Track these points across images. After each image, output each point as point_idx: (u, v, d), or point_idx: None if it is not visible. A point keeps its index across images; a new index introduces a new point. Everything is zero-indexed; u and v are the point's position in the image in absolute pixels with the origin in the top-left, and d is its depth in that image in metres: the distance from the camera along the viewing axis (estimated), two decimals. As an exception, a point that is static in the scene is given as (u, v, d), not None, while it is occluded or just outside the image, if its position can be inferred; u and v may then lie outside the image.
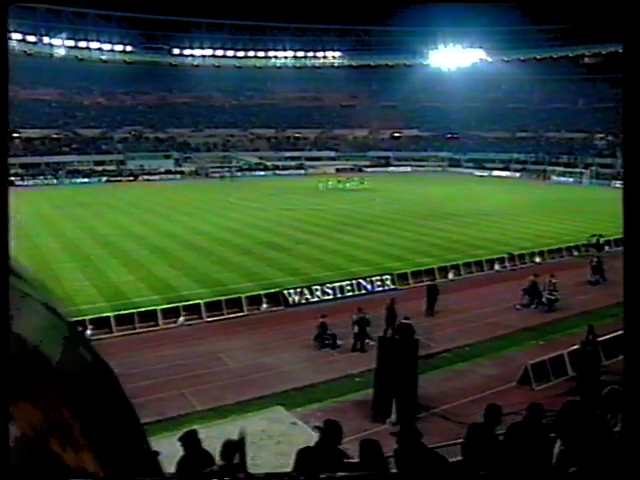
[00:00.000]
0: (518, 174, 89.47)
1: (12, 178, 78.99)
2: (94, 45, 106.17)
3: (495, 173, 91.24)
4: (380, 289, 27.20)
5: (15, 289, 1.78)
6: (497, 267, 31.56)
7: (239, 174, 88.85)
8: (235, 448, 5.17)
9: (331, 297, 25.91)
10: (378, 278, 27.69)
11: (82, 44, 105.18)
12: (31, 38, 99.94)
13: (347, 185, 72.21)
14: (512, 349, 19.96)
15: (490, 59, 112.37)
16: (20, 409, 1.70)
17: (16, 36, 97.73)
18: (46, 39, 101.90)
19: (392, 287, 27.48)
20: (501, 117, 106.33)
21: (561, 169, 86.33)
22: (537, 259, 33.26)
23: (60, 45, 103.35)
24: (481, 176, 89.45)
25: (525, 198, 61.54)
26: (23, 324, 1.72)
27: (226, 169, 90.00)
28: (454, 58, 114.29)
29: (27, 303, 1.78)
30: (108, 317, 22.06)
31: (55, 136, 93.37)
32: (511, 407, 13.33)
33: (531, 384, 16.47)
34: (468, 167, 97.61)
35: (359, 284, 26.93)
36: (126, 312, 22.52)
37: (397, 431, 5.46)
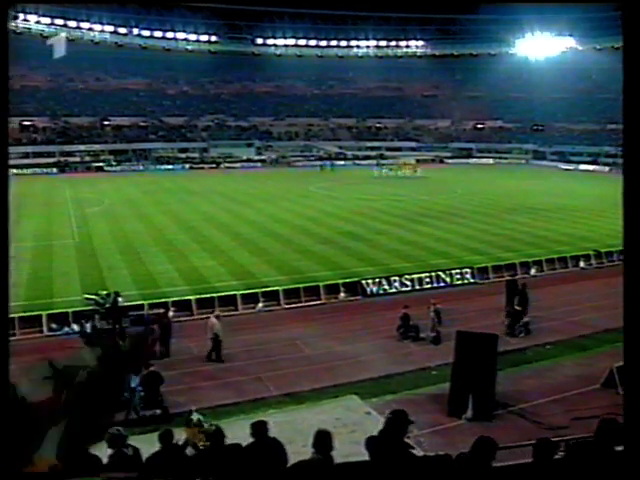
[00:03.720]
0: (607, 168, 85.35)
1: (101, 164, 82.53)
2: (180, 35, 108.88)
3: (582, 167, 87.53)
4: (459, 282, 26.79)
5: None
6: (582, 264, 30.32)
7: (341, 163, 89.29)
8: (328, 438, 5.14)
9: (409, 289, 25.71)
10: (457, 271, 27.24)
11: (169, 35, 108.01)
12: (122, 30, 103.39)
13: (398, 172, 72.29)
14: (596, 350, 19.07)
15: (581, 47, 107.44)
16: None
17: (108, 28, 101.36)
18: (135, 31, 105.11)
19: (472, 281, 27.02)
20: (590, 108, 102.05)
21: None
22: (625, 257, 31.78)
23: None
24: (567, 169, 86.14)
25: (614, 193, 57.92)
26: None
27: (325, 159, 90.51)
28: (542, 47, 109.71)
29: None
30: (189, 300, 22.75)
31: (142, 124, 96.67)
32: (594, 410, 12.88)
33: (617, 388, 15.74)
34: (553, 160, 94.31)
35: (438, 277, 26.59)
36: (207, 296, 23.13)
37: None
